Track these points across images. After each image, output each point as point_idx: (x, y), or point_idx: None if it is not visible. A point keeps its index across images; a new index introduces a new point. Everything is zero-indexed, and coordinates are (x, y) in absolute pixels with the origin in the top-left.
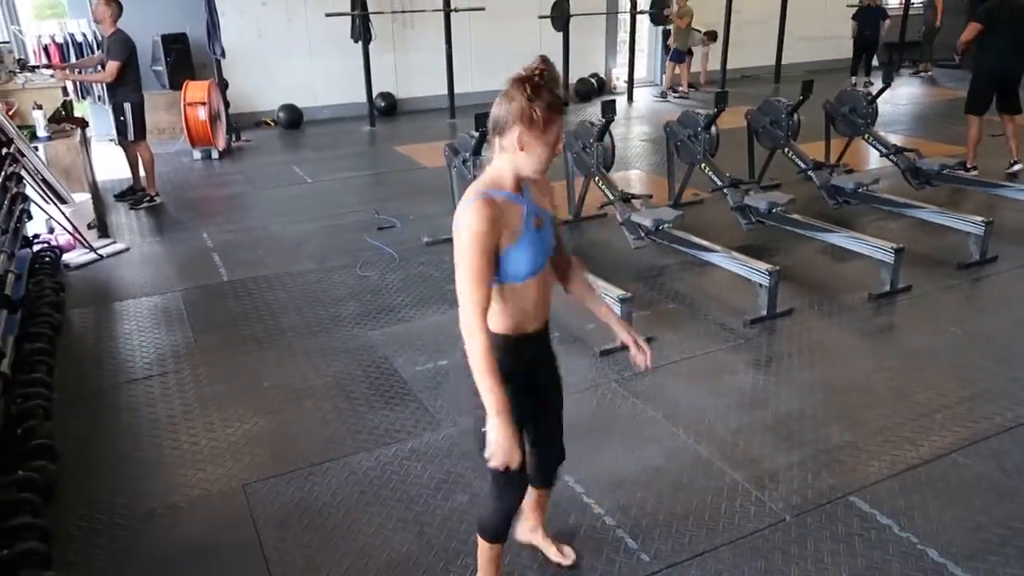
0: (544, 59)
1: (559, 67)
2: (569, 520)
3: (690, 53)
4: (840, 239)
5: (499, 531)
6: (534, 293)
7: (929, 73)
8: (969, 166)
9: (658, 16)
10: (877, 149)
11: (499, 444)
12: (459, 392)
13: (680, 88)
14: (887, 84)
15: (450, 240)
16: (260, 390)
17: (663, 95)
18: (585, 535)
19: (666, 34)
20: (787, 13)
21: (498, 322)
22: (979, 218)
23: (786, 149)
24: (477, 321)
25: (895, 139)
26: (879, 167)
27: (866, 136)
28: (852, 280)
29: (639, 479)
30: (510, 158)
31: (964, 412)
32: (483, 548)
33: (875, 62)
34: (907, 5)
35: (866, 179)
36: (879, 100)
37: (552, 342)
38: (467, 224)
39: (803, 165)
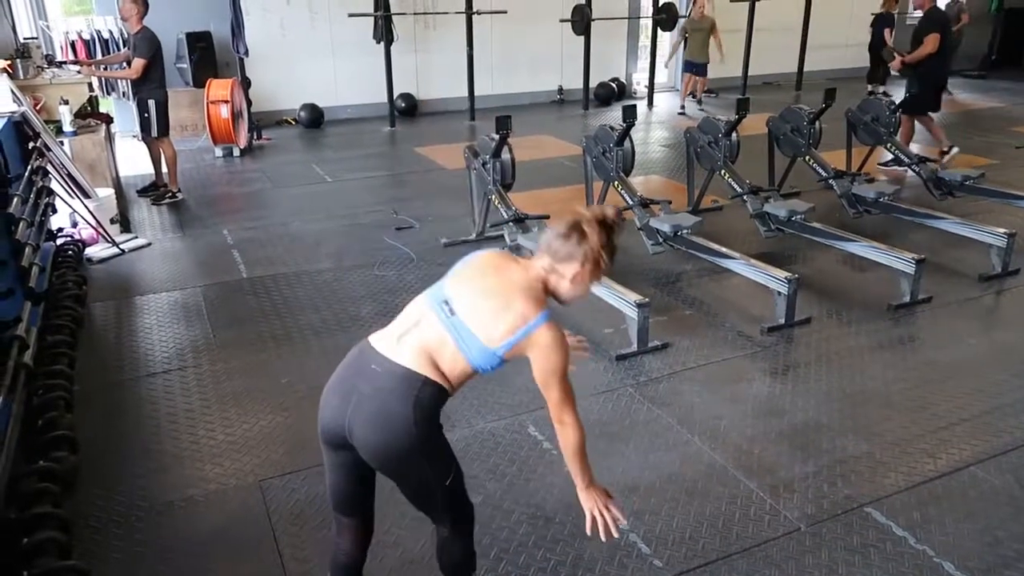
0: (620, 211)
1: (579, 71)
2: (582, 524)
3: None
4: (860, 248)
5: (474, 561)
6: None
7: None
8: (945, 149)
9: (667, 22)
10: (899, 159)
11: (603, 507)
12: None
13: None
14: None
15: (467, 242)
16: (277, 387)
17: (700, 104)
18: (598, 539)
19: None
20: (810, 20)
21: (449, 383)
22: (1002, 230)
23: (807, 157)
24: (577, 418)
25: (917, 149)
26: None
27: (888, 145)
28: (872, 290)
29: (653, 485)
30: (556, 279)
31: (983, 425)
32: None
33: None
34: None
35: (887, 188)
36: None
37: None
38: (559, 346)
39: (824, 173)
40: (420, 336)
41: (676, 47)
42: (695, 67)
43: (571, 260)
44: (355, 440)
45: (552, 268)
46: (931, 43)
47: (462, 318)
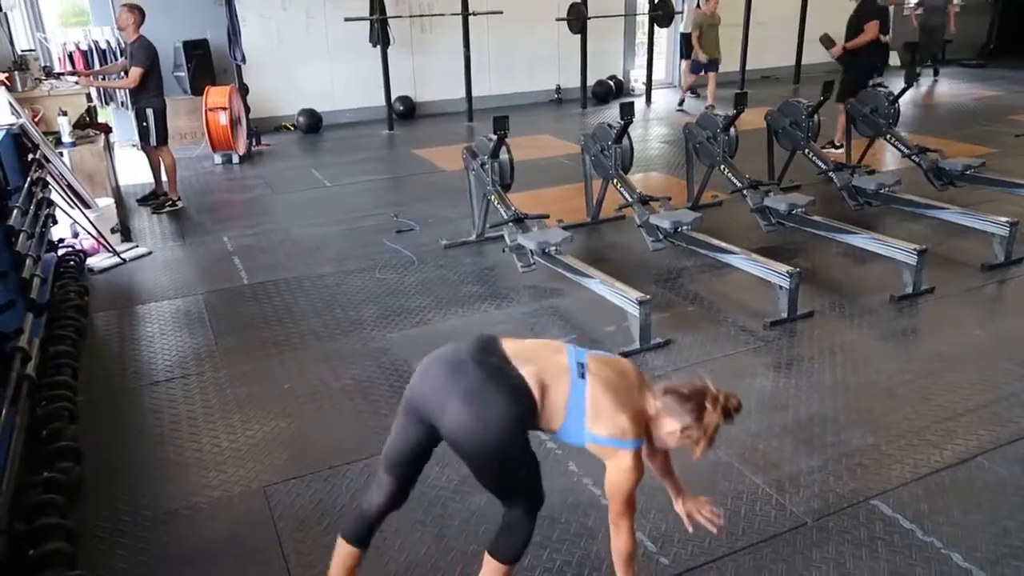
0: (741, 403)
1: (577, 70)
2: (587, 523)
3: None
4: (861, 241)
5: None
6: None
7: (930, 76)
8: (838, 144)
9: (663, 18)
10: (899, 149)
11: None
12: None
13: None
14: (909, 84)
15: (467, 243)
16: (280, 393)
17: (711, 107)
18: (603, 538)
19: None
20: (807, 13)
21: (540, 414)
22: (1004, 219)
23: (806, 150)
24: (631, 529)
25: (917, 139)
26: (901, 167)
27: (888, 136)
28: (874, 282)
29: (658, 483)
30: (657, 424)
31: (988, 416)
32: (502, 571)
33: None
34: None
35: (888, 180)
36: (900, 100)
37: None
38: (635, 472)
39: (824, 166)
40: (544, 367)
41: (699, 42)
42: (709, 64)
43: (675, 419)
44: (445, 416)
45: (659, 415)
46: (872, 30)
47: (587, 386)
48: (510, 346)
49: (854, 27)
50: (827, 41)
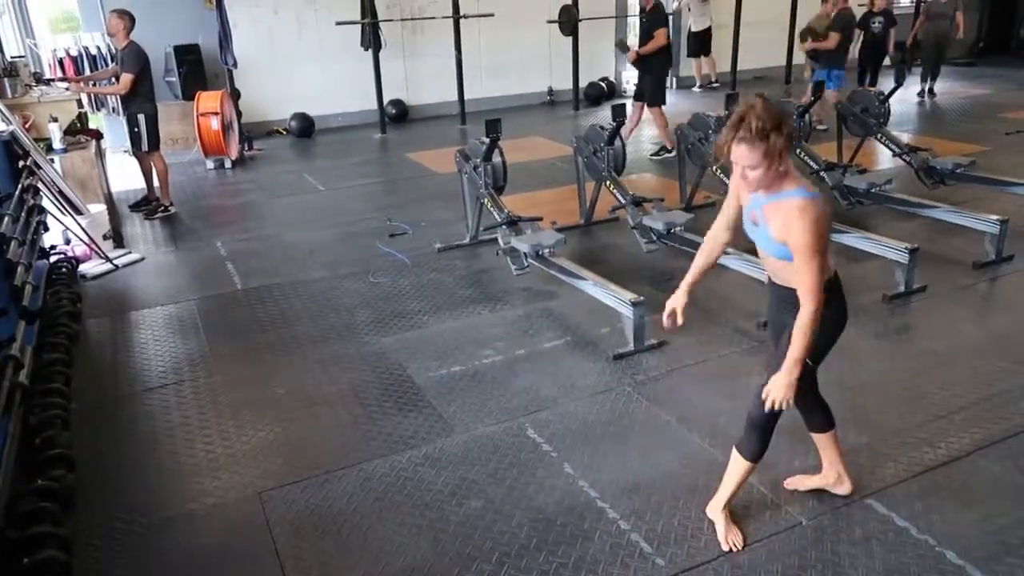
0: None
1: (568, 72)
2: (583, 525)
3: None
4: (854, 239)
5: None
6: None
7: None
8: (671, 148)
9: (621, 44)
10: (890, 149)
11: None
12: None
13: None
14: (899, 83)
15: (461, 247)
16: (275, 398)
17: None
18: (600, 540)
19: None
20: (797, 13)
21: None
22: (995, 216)
23: (798, 150)
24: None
25: (907, 138)
26: (892, 167)
27: (879, 136)
28: (866, 281)
29: (654, 483)
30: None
31: (982, 413)
32: (742, 464)
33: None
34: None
35: (879, 179)
36: (891, 99)
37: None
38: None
39: (815, 166)
40: None
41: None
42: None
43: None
44: None
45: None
46: (661, 37)
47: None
48: None
49: (646, 33)
50: (622, 46)
